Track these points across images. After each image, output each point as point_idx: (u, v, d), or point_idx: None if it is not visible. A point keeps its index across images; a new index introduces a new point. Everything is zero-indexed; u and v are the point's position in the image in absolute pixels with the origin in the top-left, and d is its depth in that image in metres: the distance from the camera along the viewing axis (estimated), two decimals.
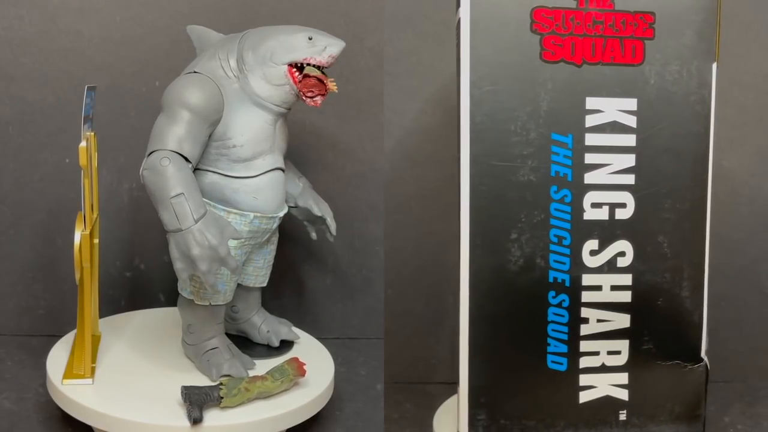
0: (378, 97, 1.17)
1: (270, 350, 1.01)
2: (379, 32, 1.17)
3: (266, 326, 1.03)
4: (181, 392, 0.84)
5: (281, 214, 0.95)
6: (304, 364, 0.91)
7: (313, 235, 1.07)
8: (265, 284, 1.02)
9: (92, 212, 0.96)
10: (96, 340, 1.01)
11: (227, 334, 1.03)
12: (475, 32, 0.79)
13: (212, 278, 0.83)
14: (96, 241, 0.99)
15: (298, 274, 1.22)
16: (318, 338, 1.08)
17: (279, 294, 1.16)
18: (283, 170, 0.95)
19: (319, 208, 1.03)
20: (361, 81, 1.19)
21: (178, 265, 0.83)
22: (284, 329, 1.03)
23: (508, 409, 0.84)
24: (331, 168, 1.19)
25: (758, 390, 1.12)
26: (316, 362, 1.00)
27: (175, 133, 0.85)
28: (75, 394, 0.88)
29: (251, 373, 0.93)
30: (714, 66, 0.81)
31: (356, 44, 1.19)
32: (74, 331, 0.99)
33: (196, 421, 0.82)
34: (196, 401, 0.83)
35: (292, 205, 1.03)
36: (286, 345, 1.03)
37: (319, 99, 0.90)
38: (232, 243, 0.90)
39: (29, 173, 1.17)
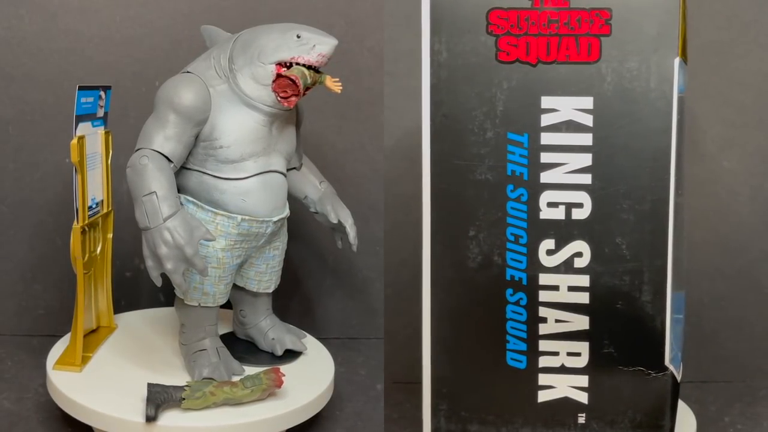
0: (378, 97, 1.17)
1: (274, 358, 0.99)
2: (379, 32, 1.17)
3: (273, 333, 1.01)
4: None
5: (275, 219, 0.93)
6: (283, 376, 0.88)
7: (339, 244, 1.05)
8: (270, 290, 1.00)
9: (102, 208, 1.00)
10: (108, 332, 1.04)
11: (237, 339, 1.03)
12: (435, 36, 0.81)
13: (178, 278, 0.83)
14: (109, 235, 1.02)
15: (298, 274, 1.22)
16: (318, 338, 1.07)
17: (279, 294, 1.16)
18: (281, 173, 0.94)
19: (337, 214, 1.00)
20: (361, 81, 1.19)
21: (149, 263, 0.84)
22: (290, 338, 1.01)
23: (468, 402, 0.85)
24: (331, 168, 1.19)
25: (758, 390, 1.12)
26: (316, 362, 1.00)
27: (159, 132, 0.87)
28: (58, 381, 0.90)
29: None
30: (677, 61, 0.77)
31: (356, 44, 1.19)
32: (60, 352, 0.99)
33: (149, 418, 0.82)
34: (155, 399, 0.83)
35: (314, 210, 1.02)
36: (292, 354, 1.00)
37: (293, 99, 0.87)
38: (219, 244, 0.90)
39: (29, 173, 1.17)
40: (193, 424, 0.84)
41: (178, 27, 1.17)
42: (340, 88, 0.90)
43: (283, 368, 0.95)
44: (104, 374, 0.92)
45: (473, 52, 0.80)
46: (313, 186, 1.02)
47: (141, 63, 1.16)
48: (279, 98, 0.87)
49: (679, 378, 0.83)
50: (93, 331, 1.03)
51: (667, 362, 0.80)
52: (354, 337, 1.25)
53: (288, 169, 1.00)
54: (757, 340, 1.16)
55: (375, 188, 1.20)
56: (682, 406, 0.97)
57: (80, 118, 0.93)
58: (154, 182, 0.84)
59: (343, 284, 1.24)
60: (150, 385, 0.85)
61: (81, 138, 0.93)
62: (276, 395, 0.89)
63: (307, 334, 1.05)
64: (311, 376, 0.96)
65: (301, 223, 1.08)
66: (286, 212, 0.96)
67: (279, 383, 0.88)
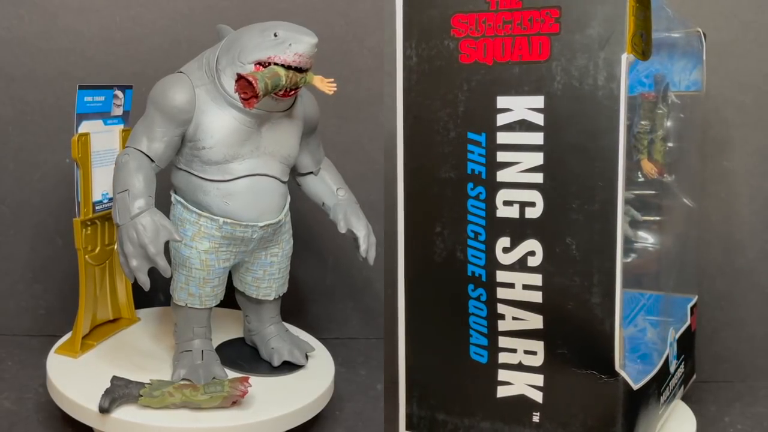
0: (378, 97, 1.17)
1: (272, 369, 0.97)
2: (379, 32, 1.17)
3: (274, 343, 0.99)
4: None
5: (261, 224, 0.91)
6: (250, 386, 0.86)
7: (360, 256, 0.98)
8: (270, 297, 0.99)
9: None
10: (128, 323, 1.07)
11: (245, 344, 1.02)
12: (407, 41, 0.83)
13: (142, 276, 0.84)
14: None
15: (298, 274, 1.22)
16: (318, 338, 1.07)
17: None
18: (275, 178, 0.92)
19: (348, 224, 0.96)
20: (361, 81, 1.19)
21: (120, 259, 0.85)
22: (288, 350, 0.98)
23: (436, 391, 0.86)
24: None
25: (758, 390, 1.12)
26: (316, 362, 1.00)
27: (144, 132, 0.88)
28: (51, 364, 0.94)
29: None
30: (624, 57, 0.75)
31: (356, 44, 1.19)
32: (65, 339, 1.01)
33: (101, 409, 0.83)
34: (112, 392, 0.84)
35: (332, 218, 0.99)
36: (291, 366, 0.97)
37: (253, 101, 0.84)
38: (203, 246, 0.90)
39: (29, 173, 1.17)
40: (193, 425, 0.84)
41: (178, 27, 1.17)
42: (333, 89, 0.88)
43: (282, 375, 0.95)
44: (101, 370, 0.93)
45: (438, 56, 0.81)
46: (330, 192, 0.99)
47: (141, 63, 1.16)
48: (240, 99, 0.85)
49: (636, 386, 0.80)
50: (112, 321, 1.06)
51: (617, 367, 0.78)
52: (354, 337, 1.25)
53: (304, 174, 1.00)
54: (757, 340, 1.16)
55: (375, 188, 1.19)
56: (681, 406, 0.97)
57: (84, 116, 0.95)
58: (129, 180, 0.85)
59: (343, 284, 1.24)
60: (114, 378, 0.86)
61: (82, 135, 0.94)
62: (241, 404, 0.87)
63: (315, 347, 1.02)
64: (311, 376, 0.96)
65: (300, 224, 1.08)
66: (278, 218, 0.93)
67: (242, 394, 0.86)
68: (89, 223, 0.97)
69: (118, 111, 1.01)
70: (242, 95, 0.84)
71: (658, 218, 1.03)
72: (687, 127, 1.01)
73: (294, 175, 1.00)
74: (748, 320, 1.16)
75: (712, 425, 1.02)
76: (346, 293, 1.25)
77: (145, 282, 0.84)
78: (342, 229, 0.96)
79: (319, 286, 1.24)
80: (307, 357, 0.99)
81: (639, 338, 0.91)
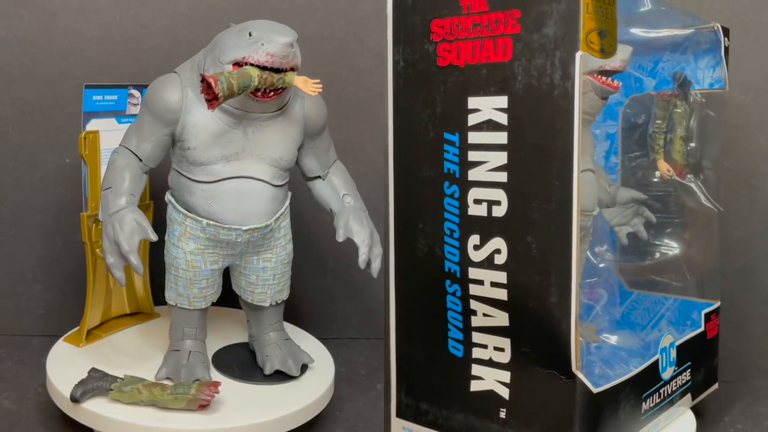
0: (378, 97, 1.17)
1: (265, 377, 0.95)
2: (379, 32, 1.17)
3: (269, 350, 0.97)
4: None
5: (245, 228, 0.90)
6: (216, 392, 0.85)
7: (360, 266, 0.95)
8: (266, 303, 0.97)
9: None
10: (145, 318, 1.09)
11: (247, 349, 1.02)
12: (395, 46, 0.85)
13: (117, 272, 0.84)
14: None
15: (298, 274, 1.22)
16: (318, 338, 1.07)
17: None
18: (263, 181, 0.90)
19: (348, 232, 0.93)
20: (361, 81, 1.19)
21: (103, 254, 0.86)
22: (281, 359, 0.96)
23: (420, 382, 0.88)
24: None
25: (758, 390, 1.12)
26: (316, 362, 1.00)
27: (135, 131, 0.90)
28: (54, 351, 0.97)
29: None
30: (578, 56, 0.75)
31: (356, 44, 1.19)
32: (75, 329, 1.03)
33: (72, 398, 0.85)
34: (86, 383, 0.86)
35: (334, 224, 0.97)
36: (284, 376, 0.95)
37: (214, 103, 0.82)
38: (189, 247, 0.90)
39: (29, 173, 1.17)
40: (195, 427, 0.84)
41: (178, 27, 1.17)
42: (317, 90, 0.85)
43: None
44: (96, 362, 0.93)
45: (420, 60, 0.83)
46: (336, 198, 0.97)
47: (141, 63, 1.16)
48: (205, 101, 0.84)
49: (597, 389, 0.79)
50: (129, 315, 1.08)
51: (574, 368, 0.78)
52: (354, 337, 1.25)
53: (311, 178, 0.98)
54: (757, 340, 1.16)
55: (375, 188, 1.20)
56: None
57: (93, 115, 0.97)
58: (113, 178, 0.87)
59: (343, 284, 1.24)
60: (92, 370, 0.88)
61: (90, 133, 0.96)
62: (209, 409, 0.86)
63: (314, 359, 0.99)
64: (311, 376, 0.96)
65: (301, 224, 1.08)
66: (265, 223, 0.91)
67: (208, 398, 0.85)
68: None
69: (135, 110, 1.02)
70: (205, 97, 0.83)
71: (676, 220, 1.03)
72: (713, 126, 1.00)
73: (303, 179, 1.00)
74: (748, 320, 1.16)
75: (712, 425, 1.02)
76: (346, 293, 1.25)
77: (121, 278, 0.85)
78: (340, 238, 0.93)
79: (319, 287, 1.24)
80: (306, 368, 0.97)
81: None
